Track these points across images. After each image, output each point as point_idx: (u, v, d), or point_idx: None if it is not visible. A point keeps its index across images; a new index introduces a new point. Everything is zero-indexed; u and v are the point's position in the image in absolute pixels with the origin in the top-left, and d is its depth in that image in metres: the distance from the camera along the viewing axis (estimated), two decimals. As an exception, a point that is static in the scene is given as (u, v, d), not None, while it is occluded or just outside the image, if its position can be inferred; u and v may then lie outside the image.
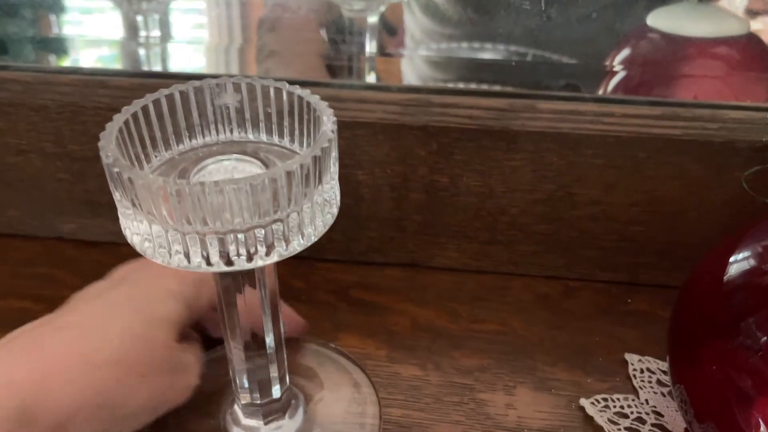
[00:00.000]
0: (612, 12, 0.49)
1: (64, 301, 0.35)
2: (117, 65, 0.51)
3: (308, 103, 0.24)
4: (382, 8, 0.50)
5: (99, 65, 0.51)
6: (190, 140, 0.25)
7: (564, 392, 0.35)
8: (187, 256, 0.21)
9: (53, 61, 0.50)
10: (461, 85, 0.49)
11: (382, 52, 0.54)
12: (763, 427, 0.27)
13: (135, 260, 0.31)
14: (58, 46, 0.51)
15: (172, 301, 0.29)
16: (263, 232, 0.21)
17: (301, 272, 0.42)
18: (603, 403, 0.34)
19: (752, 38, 0.46)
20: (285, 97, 0.24)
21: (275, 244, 0.22)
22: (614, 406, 0.34)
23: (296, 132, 0.25)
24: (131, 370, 0.27)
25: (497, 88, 0.47)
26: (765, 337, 0.27)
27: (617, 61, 0.48)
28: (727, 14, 0.48)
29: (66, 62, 0.51)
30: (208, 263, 0.21)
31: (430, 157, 0.38)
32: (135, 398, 0.27)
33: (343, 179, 0.40)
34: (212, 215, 0.20)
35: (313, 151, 0.21)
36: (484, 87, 0.48)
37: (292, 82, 0.25)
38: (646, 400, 0.34)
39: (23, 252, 0.43)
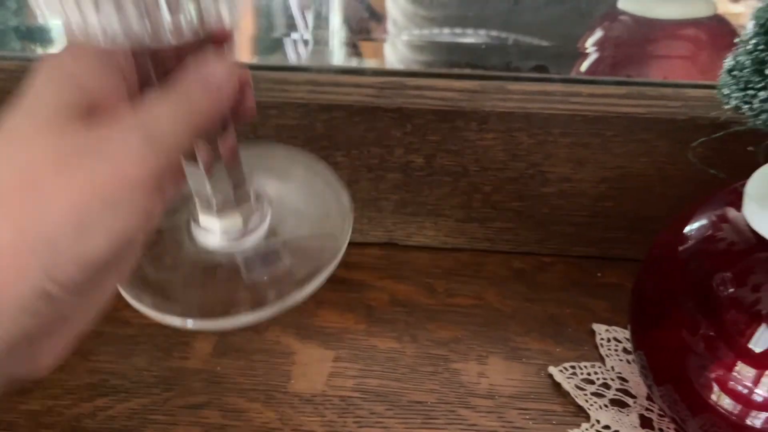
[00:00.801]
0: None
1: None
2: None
3: None
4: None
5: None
6: None
7: (534, 361, 0.36)
8: (122, 28, 0.18)
9: (38, 50, 0.51)
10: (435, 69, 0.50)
11: (365, 36, 0.55)
12: (717, 390, 0.29)
13: None
14: (43, 35, 0.51)
15: (49, 88, 0.21)
16: None
17: (284, 252, 0.43)
18: (571, 371, 0.35)
19: (718, 19, 0.48)
20: None
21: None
22: (581, 374, 0.35)
23: None
24: (29, 173, 0.20)
25: (469, 71, 0.49)
26: (718, 302, 0.29)
27: (589, 43, 0.50)
28: (695, -5, 0.49)
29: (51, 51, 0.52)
30: (156, 33, 0.19)
31: (405, 138, 0.39)
32: (54, 203, 0.20)
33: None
34: None
35: None
36: (457, 70, 0.49)
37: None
38: (612, 367, 0.36)
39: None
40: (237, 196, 0.27)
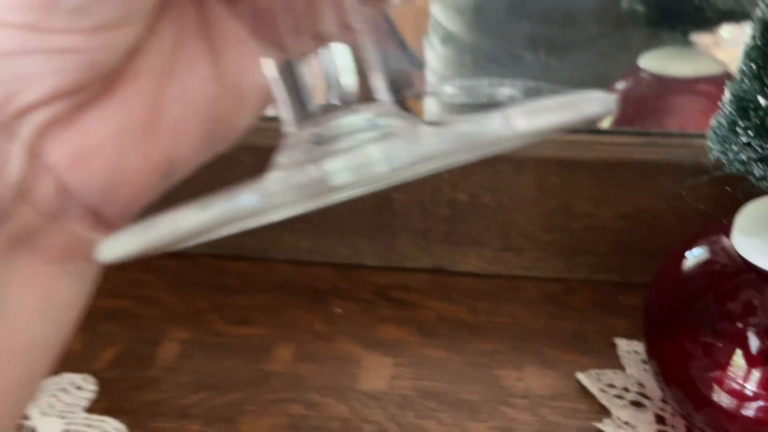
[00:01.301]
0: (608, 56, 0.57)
1: (154, 300, 0.45)
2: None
3: None
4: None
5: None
6: None
7: (563, 369, 0.43)
8: None
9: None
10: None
11: (409, 94, 0.63)
12: (716, 388, 0.35)
13: None
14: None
15: None
16: None
17: (346, 277, 0.51)
18: (596, 377, 0.42)
19: (727, 76, 0.54)
20: None
21: None
22: (605, 379, 0.42)
23: None
24: None
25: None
26: (714, 315, 0.35)
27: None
28: (706, 56, 0.56)
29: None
30: None
31: (452, 179, 0.47)
32: None
33: (379, 198, 0.49)
34: None
35: None
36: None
37: None
38: (632, 375, 0.42)
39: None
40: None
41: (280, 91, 0.17)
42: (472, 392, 0.41)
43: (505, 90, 0.60)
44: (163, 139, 0.17)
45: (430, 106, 0.63)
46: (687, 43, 0.56)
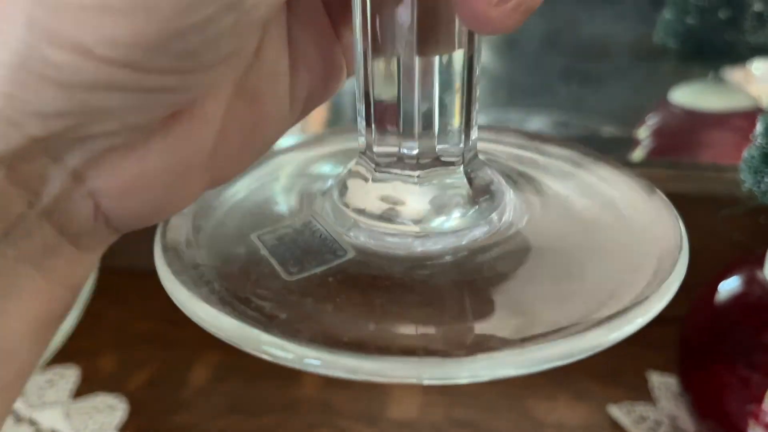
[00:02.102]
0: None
1: (186, 322, 0.45)
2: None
3: None
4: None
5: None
6: None
7: (595, 400, 0.42)
8: None
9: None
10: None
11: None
12: (752, 422, 0.35)
13: None
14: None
15: None
16: None
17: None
18: (627, 409, 0.41)
19: (758, 110, 0.55)
20: None
21: None
22: (637, 412, 0.41)
23: None
24: None
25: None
26: (750, 347, 0.35)
27: (643, 132, 0.57)
28: (736, 90, 0.57)
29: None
30: None
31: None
32: None
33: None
34: None
35: None
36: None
37: None
38: (663, 408, 0.42)
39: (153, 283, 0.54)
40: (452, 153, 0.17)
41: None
42: (503, 421, 0.41)
43: (535, 122, 0.61)
44: (217, 168, 0.17)
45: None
46: (718, 78, 0.56)
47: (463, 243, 0.17)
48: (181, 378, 0.45)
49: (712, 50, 0.51)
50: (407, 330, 0.16)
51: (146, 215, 0.17)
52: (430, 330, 0.16)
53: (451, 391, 0.43)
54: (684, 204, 0.46)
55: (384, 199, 0.17)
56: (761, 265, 0.35)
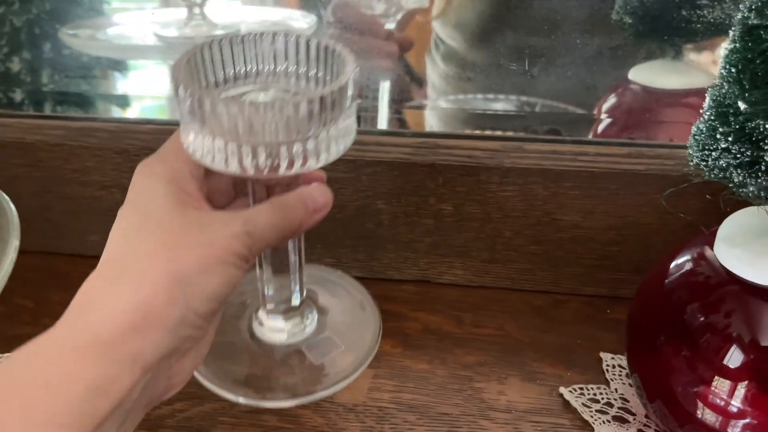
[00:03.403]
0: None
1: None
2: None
3: (334, 51, 0.29)
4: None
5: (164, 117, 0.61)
6: (235, 82, 0.31)
7: (547, 382, 0.42)
8: (240, 162, 0.27)
9: (130, 114, 0.60)
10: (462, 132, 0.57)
11: (406, 104, 0.63)
12: (700, 404, 0.34)
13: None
14: (132, 101, 0.60)
15: (156, 189, 0.29)
16: (301, 145, 0.27)
17: (331, 287, 0.50)
18: (579, 391, 0.41)
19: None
20: (315, 48, 0.30)
21: (308, 156, 0.28)
22: (588, 394, 0.41)
23: (322, 77, 0.30)
24: (160, 245, 0.27)
25: (492, 133, 0.55)
26: (697, 328, 0.34)
27: (604, 110, 0.56)
28: (696, 69, 0.56)
29: (139, 114, 0.61)
30: (257, 169, 0.27)
31: (437, 189, 0.46)
32: (185, 261, 0.27)
33: (365, 207, 0.48)
34: (267, 128, 0.26)
35: (339, 83, 0.27)
36: (481, 132, 0.56)
37: None
38: (616, 389, 0.41)
39: (102, 270, 0.52)
40: (300, 301, 0.36)
41: None
42: (452, 405, 0.40)
43: (500, 104, 0.60)
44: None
45: (430, 119, 0.63)
46: (677, 56, 0.55)
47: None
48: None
49: (670, 27, 0.50)
50: None
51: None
52: None
53: (399, 374, 0.42)
54: (639, 183, 0.45)
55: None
56: (711, 244, 0.34)
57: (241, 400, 0.34)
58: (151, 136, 0.48)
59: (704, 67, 0.57)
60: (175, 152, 0.30)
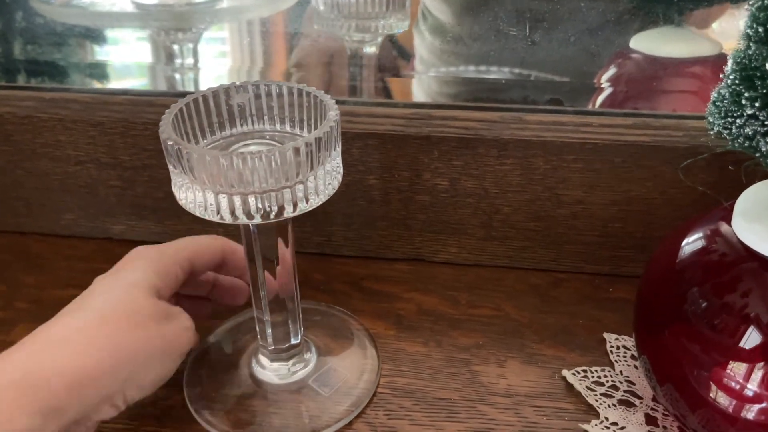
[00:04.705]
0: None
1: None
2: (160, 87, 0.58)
3: (316, 97, 0.31)
4: (379, 39, 0.56)
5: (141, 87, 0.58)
6: (220, 131, 0.32)
7: (549, 365, 0.40)
8: (232, 212, 0.28)
9: (106, 84, 0.57)
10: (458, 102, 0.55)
11: (393, 73, 0.60)
12: (714, 387, 0.32)
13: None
14: (108, 71, 0.57)
15: (139, 271, 0.33)
16: (289, 192, 0.28)
17: (321, 266, 0.48)
18: (582, 374, 0.39)
19: (723, 57, 0.52)
20: (297, 94, 0.32)
21: (298, 202, 0.29)
22: (592, 376, 0.39)
23: (305, 122, 0.32)
24: (123, 321, 0.31)
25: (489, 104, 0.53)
26: (711, 308, 0.32)
27: (605, 79, 0.54)
28: (701, 37, 0.53)
29: (115, 84, 0.58)
30: (249, 216, 0.28)
31: (431, 163, 0.44)
32: (139, 344, 0.31)
33: (356, 183, 0.45)
34: (254, 178, 0.27)
35: (323, 129, 0.28)
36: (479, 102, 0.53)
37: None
38: (621, 371, 0.39)
39: (79, 250, 0.49)
40: (290, 347, 0.38)
41: None
42: (449, 390, 0.38)
43: (493, 76, 0.57)
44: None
45: (417, 91, 0.61)
46: (680, 24, 0.53)
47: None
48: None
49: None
50: None
51: None
52: None
53: (393, 358, 0.40)
54: (644, 155, 0.43)
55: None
56: (728, 219, 0.32)
57: None
58: (127, 107, 0.45)
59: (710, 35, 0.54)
60: (176, 249, 0.35)
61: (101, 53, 0.58)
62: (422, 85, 0.62)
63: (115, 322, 0.31)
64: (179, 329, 0.33)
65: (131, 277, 0.33)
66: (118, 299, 0.32)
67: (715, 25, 0.55)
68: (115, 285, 0.33)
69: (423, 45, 0.62)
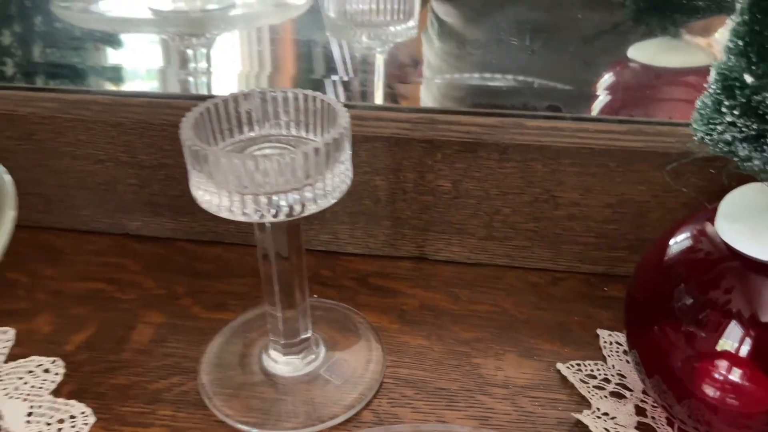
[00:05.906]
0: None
1: (130, 283, 0.43)
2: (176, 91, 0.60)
3: (324, 102, 0.33)
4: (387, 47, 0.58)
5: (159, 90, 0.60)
6: (238, 134, 0.34)
7: (544, 358, 0.42)
8: (248, 211, 0.30)
9: (123, 87, 0.59)
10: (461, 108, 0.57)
11: (399, 80, 0.62)
12: (698, 379, 0.34)
13: None
14: (125, 74, 0.60)
15: None
16: (301, 193, 0.30)
17: (328, 264, 0.50)
18: (576, 367, 0.41)
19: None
20: (303, 100, 0.34)
21: (309, 203, 0.31)
22: (585, 370, 0.41)
23: (314, 126, 0.34)
24: None
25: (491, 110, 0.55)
26: (696, 304, 0.34)
27: (602, 87, 0.56)
28: (695, 48, 0.55)
29: (132, 88, 0.60)
30: (262, 216, 0.30)
31: (435, 166, 0.46)
32: None
33: (363, 184, 0.48)
34: (266, 179, 0.29)
35: (333, 134, 0.30)
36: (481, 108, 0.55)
37: None
38: (613, 365, 0.41)
39: (96, 245, 0.52)
40: (301, 340, 0.40)
41: None
42: (450, 380, 0.40)
43: (495, 83, 0.59)
44: None
45: (425, 97, 0.63)
46: (676, 34, 0.55)
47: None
48: (122, 339, 0.43)
49: (670, 3, 0.50)
50: None
51: None
52: None
53: (396, 350, 0.42)
54: (637, 160, 0.45)
55: None
56: (712, 219, 0.34)
57: None
58: (146, 109, 0.47)
59: (704, 46, 0.56)
60: None
61: (118, 57, 0.61)
62: (430, 90, 0.64)
63: None
64: None
65: None
66: None
67: (717, 35, 0.57)
68: None
69: (431, 50, 0.64)
